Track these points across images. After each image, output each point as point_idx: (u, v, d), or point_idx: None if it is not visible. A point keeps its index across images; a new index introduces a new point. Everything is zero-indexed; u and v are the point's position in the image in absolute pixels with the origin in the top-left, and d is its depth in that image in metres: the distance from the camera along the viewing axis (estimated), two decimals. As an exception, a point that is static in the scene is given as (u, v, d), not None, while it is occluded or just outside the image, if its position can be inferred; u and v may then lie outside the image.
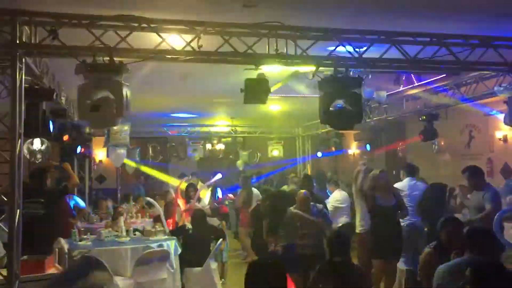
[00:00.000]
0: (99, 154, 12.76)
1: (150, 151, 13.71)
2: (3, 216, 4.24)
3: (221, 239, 6.93)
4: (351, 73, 5.00)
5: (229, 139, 13.83)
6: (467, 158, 9.02)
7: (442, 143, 9.76)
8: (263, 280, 2.85)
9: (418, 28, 4.85)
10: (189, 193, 9.05)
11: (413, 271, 5.85)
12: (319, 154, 12.61)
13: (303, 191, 6.28)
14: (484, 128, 9.09)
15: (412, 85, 7.98)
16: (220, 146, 13.93)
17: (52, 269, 5.21)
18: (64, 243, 5.70)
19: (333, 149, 11.58)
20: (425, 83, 7.83)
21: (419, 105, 8.61)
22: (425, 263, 4.18)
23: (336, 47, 4.85)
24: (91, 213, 10.07)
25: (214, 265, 6.71)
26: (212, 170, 11.02)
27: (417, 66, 5.22)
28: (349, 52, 4.89)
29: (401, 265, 6.28)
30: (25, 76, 4.40)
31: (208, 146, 13.88)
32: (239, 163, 14.05)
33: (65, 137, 7.19)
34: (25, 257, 4.66)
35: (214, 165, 13.21)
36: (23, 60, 4.31)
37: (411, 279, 6.10)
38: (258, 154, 14.43)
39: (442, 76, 7.39)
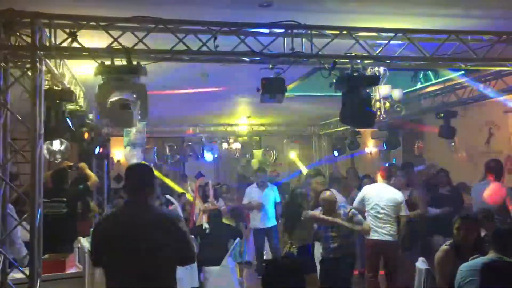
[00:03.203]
0: (117, 154, 12.89)
1: (167, 151, 13.78)
2: (25, 216, 4.31)
3: (238, 238, 6.96)
4: (368, 71, 4.99)
5: (246, 138, 13.84)
6: (487, 155, 8.89)
7: (461, 141, 9.64)
8: (281, 280, 2.86)
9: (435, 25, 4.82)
10: (206, 193, 9.10)
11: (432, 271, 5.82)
12: (335, 153, 12.54)
13: (327, 191, 6.13)
14: (503, 125, 8.95)
15: (430, 83, 7.90)
16: (236, 145, 13.95)
17: (73, 268, 5.30)
18: (84, 242, 5.77)
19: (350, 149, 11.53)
20: (443, 80, 7.75)
21: (437, 102, 8.52)
22: (440, 261, 4.15)
23: (352, 45, 4.83)
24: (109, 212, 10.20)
25: (232, 264, 6.74)
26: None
27: (435, 63, 5.16)
28: (366, 50, 4.87)
29: (420, 264, 6.23)
30: (44, 77, 4.48)
31: (225, 145, 13.92)
32: (254, 162, 14.05)
33: (85, 135, 7.27)
34: (46, 256, 4.74)
35: (230, 164, 13.26)
36: (43, 62, 4.38)
37: (430, 279, 6.04)
38: (275, 153, 14.42)
39: (461, 73, 7.31)
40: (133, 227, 3.24)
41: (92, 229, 3.63)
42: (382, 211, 6.52)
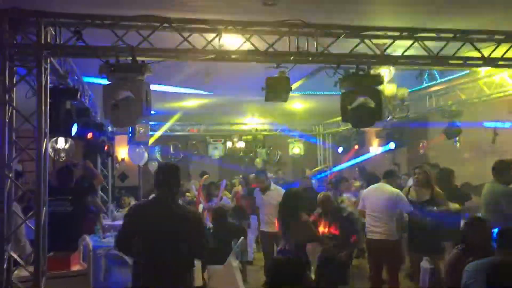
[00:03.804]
0: (121, 152, 12.91)
1: (171, 149, 13.78)
2: (30, 213, 4.33)
3: (242, 238, 6.95)
4: (372, 70, 4.96)
5: (250, 137, 13.84)
6: (492, 155, 8.85)
7: (465, 140, 9.61)
8: (283, 276, 2.86)
9: (441, 24, 4.79)
10: (211, 192, 9.08)
11: (437, 270, 5.81)
12: (340, 149, 12.54)
13: (322, 193, 6.31)
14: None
15: (435, 82, 7.88)
16: (241, 144, 13.95)
17: (77, 266, 5.32)
18: (89, 240, 5.79)
19: (356, 147, 11.49)
20: (448, 79, 7.73)
21: (442, 101, 8.50)
22: (452, 264, 4.12)
23: (357, 44, 4.81)
24: (114, 211, 10.22)
25: (235, 263, 6.73)
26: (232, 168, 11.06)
27: (440, 62, 5.14)
28: (371, 49, 4.85)
29: (425, 263, 6.22)
30: (49, 76, 4.49)
31: (229, 144, 13.92)
32: (257, 161, 14.05)
33: (89, 135, 7.29)
34: (51, 253, 4.75)
35: (234, 163, 13.26)
36: (48, 60, 4.40)
37: (435, 278, 6.03)
38: (279, 152, 14.41)
39: (466, 72, 7.29)
40: (160, 218, 3.78)
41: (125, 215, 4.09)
42: (377, 209, 6.50)
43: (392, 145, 9.69)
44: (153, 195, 4.23)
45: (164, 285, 3.71)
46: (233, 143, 13.95)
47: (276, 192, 7.45)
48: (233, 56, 4.70)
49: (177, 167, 4.08)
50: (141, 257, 3.78)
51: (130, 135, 10.46)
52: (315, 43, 4.71)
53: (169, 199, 3.88)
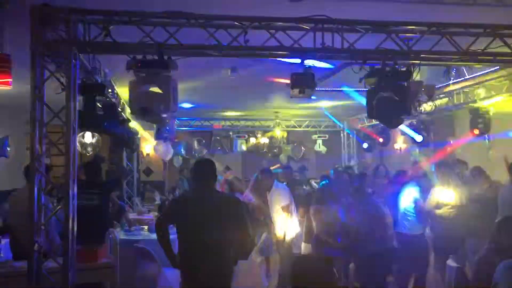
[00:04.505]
0: (147, 147, 13.07)
1: (195, 145, 13.89)
2: (59, 206, 4.43)
3: (265, 233, 6.95)
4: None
5: (274, 133, 13.83)
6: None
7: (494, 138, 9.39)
8: (311, 274, 2.86)
9: (470, 19, 4.70)
10: (234, 187, 9.10)
11: (463, 269, 5.72)
12: (365, 145, 12.45)
13: None
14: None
15: (463, 78, 7.72)
16: (264, 140, 13.95)
17: (105, 259, 5.42)
18: (116, 234, 5.89)
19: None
20: (477, 75, 7.57)
21: (470, 98, 8.32)
22: (483, 263, 4.06)
23: (384, 40, 4.76)
24: (139, 205, 10.37)
25: (259, 259, 6.75)
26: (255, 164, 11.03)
27: (469, 58, 5.03)
28: (398, 45, 4.79)
29: (451, 262, 6.14)
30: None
31: (252, 140, 13.94)
32: (282, 157, 14.03)
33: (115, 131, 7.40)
34: (79, 246, 4.85)
35: (258, 159, 13.26)
36: (77, 57, 4.48)
37: (461, 278, 5.94)
38: (303, 148, 14.36)
39: (495, 68, 7.12)
40: (201, 205, 4.17)
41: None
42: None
43: (419, 138, 9.53)
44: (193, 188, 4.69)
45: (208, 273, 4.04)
46: (256, 139, 13.97)
47: (278, 193, 7.07)
48: (258, 52, 4.70)
49: (212, 161, 4.50)
50: (182, 243, 4.17)
51: (157, 130, 10.57)
52: (341, 39, 4.68)
53: (207, 190, 4.24)
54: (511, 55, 4.89)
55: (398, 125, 5.23)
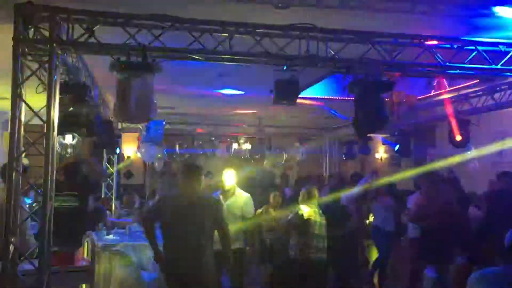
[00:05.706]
0: (127, 150, 12.93)
1: (177, 148, 13.80)
2: (36, 207, 4.35)
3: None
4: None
5: (256, 139, 13.83)
6: (499, 166, 8.78)
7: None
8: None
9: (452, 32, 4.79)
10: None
11: (441, 280, 5.79)
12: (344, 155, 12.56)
13: None
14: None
15: (443, 90, 7.84)
16: (247, 146, 13.94)
17: (82, 262, 5.34)
18: (93, 237, 5.81)
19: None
20: (457, 88, 7.69)
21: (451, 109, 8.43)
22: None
23: (368, 50, 4.81)
24: (118, 208, 10.25)
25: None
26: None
27: (450, 71, 5.12)
28: (381, 56, 4.85)
29: (429, 273, 6.19)
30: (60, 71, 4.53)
31: (235, 145, 13.91)
32: (266, 163, 14.02)
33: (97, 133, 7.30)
34: (55, 248, 4.78)
35: (240, 165, 13.22)
36: (60, 56, 4.42)
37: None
38: (285, 154, 14.39)
39: (476, 81, 7.25)
40: (183, 204, 4.56)
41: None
42: None
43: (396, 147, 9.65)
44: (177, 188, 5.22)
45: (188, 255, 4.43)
46: (239, 145, 13.95)
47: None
48: (243, 58, 4.71)
49: (197, 165, 5.04)
50: (167, 238, 4.57)
51: (145, 132, 10.45)
52: (325, 48, 4.71)
53: (189, 190, 4.62)
54: (491, 69, 4.98)
55: (375, 133, 5.30)
